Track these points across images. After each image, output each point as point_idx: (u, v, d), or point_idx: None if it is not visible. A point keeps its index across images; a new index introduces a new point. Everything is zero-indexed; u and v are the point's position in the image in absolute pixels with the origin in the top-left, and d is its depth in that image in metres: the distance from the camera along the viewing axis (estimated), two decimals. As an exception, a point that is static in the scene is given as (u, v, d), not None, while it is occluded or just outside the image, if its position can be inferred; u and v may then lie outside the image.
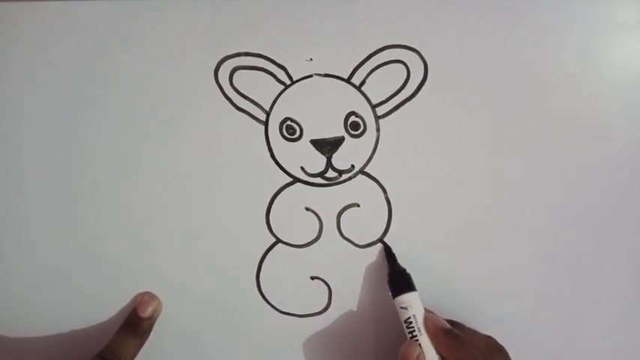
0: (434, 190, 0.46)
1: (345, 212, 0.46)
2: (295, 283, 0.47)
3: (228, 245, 0.47)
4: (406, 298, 0.43)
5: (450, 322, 0.43)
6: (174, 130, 0.45)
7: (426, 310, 0.43)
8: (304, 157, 0.45)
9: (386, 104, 0.45)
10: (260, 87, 0.45)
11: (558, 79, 0.45)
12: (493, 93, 0.45)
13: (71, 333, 0.48)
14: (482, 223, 0.46)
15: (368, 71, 0.44)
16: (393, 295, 0.44)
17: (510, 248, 0.46)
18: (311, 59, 0.44)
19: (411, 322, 0.42)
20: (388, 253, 0.46)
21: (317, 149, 0.45)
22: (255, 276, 0.47)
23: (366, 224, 0.46)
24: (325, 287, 0.47)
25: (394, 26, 0.44)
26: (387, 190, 0.46)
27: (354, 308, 0.47)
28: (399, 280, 0.44)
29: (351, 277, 0.47)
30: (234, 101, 0.45)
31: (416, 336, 0.41)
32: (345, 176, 0.46)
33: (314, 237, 0.47)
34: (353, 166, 0.46)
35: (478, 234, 0.46)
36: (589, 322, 0.47)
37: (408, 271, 0.44)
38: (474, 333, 0.43)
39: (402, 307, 0.43)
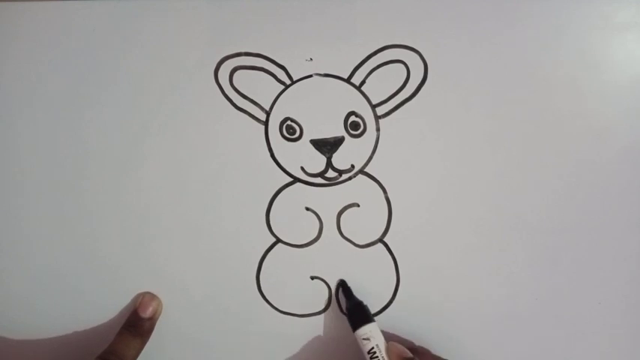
0: (434, 190, 0.46)
1: (345, 212, 0.46)
2: (295, 283, 0.47)
3: (228, 245, 0.47)
4: (367, 329, 0.44)
5: (414, 348, 0.45)
6: (174, 130, 0.45)
7: (387, 339, 0.44)
8: (304, 157, 0.45)
9: (386, 104, 0.45)
10: (260, 87, 0.45)
11: (558, 80, 0.45)
12: (493, 93, 0.45)
13: (72, 334, 0.48)
14: (482, 223, 0.46)
15: (368, 71, 0.44)
16: (353, 328, 0.45)
17: (510, 248, 0.46)
18: (311, 59, 0.44)
19: (374, 352, 0.43)
20: (344, 289, 0.46)
21: (317, 149, 0.45)
22: (255, 276, 0.47)
23: (366, 224, 0.46)
24: (325, 287, 0.47)
25: (394, 26, 0.44)
26: (387, 190, 0.46)
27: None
28: (357, 313, 0.45)
29: (351, 277, 0.47)
30: (234, 101, 0.45)
31: None
32: (345, 176, 0.46)
33: (314, 237, 0.47)
34: (353, 166, 0.46)
35: (478, 233, 0.46)
36: (589, 322, 0.47)
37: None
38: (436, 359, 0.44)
39: (364, 339, 0.44)
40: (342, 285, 0.47)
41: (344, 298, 0.46)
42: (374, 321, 0.44)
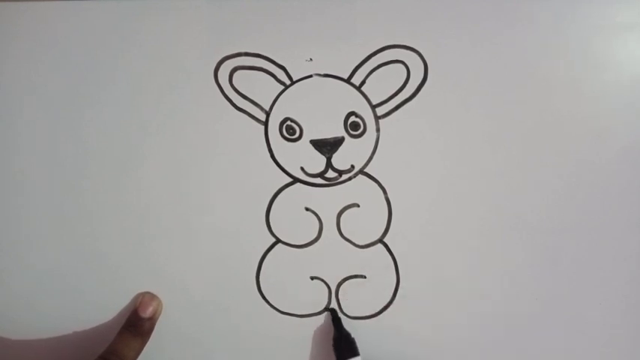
0: (434, 190, 0.46)
1: (345, 212, 0.46)
2: (295, 283, 0.47)
3: (228, 245, 0.47)
4: None
5: None
6: (173, 130, 0.45)
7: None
8: (304, 158, 0.45)
9: (386, 104, 0.45)
10: (260, 87, 0.45)
11: (559, 80, 0.44)
12: (493, 93, 0.44)
13: (72, 334, 0.48)
14: (482, 223, 0.46)
15: (368, 71, 0.44)
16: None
17: (510, 248, 0.46)
18: (311, 59, 0.44)
19: None
20: (335, 318, 0.47)
21: (317, 149, 0.45)
22: (255, 276, 0.47)
23: (366, 224, 0.46)
24: (325, 287, 0.47)
25: (394, 26, 0.44)
26: (387, 191, 0.46)
27: (354, 308, 0.47)
28: (346, 345, 0.45)
29: (351, 277, 0.47)
30: (234, 101, 0.45)
31: None
32: (345, 176, 0.46)
33: (314, 237, 0.47)
34: (353, 167, 0.45)
35: (478, 234, 0.46)
36: (589, 322, 0.47)
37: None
38: None
39: None
40: (333, 314, 0.47)
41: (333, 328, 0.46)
42: (359, 355, 0.45)
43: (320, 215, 0.46)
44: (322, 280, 0.47)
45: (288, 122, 0.45)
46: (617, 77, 0.45)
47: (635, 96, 0.45)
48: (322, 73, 0.45)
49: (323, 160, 0.45)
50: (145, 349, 0.45)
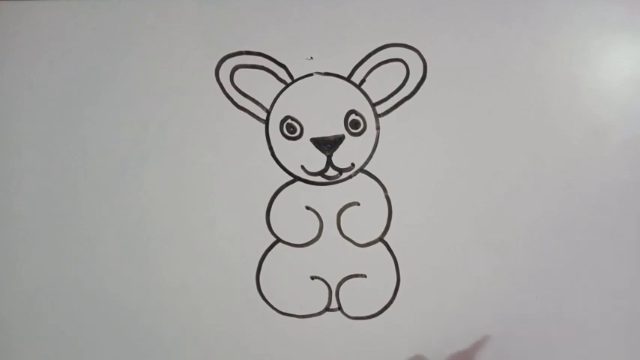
0: (434, 189, 0.46)
1: (346, 211, 0.46)
2: (295, 283, 0.47)
3: (228, 245, 0.47)
4: None
5: None
6: (174, 129, 0.45)
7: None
8: (304, 156, 0.45)
9: (386, 102, 0.45)
10: (261, 85, 0.45)
11: (555, 78, 0.45)
12: (491, 91, 0.45)
13: (72, 333, 0.47)
14: (481, 222, 0.46)
15: (368, 70, 0.45)
16: None
17: (510, 247, 0.46)
18: (311, 58, 0.45)
19: None
20: None
21: (317, 147, 0.45)
22: (255, 276, 0.47)
23: (366, 223, 0.46)
24: (325, 287, 0.47)
25: (394, 25, 0.44)
26: (387, 189, 0.46)
27: (355, 308, 0.47)
28: None
29: (351, 277, 0.47)
30: (235, 100, 0.45)
31: None
32: (345, 175, 0.46)
33: (314, 236, 0.46)
34: (353, 165, 0.46)
35: (478, 232, 0.46)
36: (590, 322, 0.47)
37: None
38: None
39: None
40: None
41: None
42: None
43: (320, 214, 0.46)
44: (323, 280, 0.47)
45: (289, 120, 0.45)
46: (612, 76, 0.45)
47: (630, 93, 0.45)
48: (322, 71, 0.45)
49: (323, 158, 0.45)
50: (144, 348, 0.45)
